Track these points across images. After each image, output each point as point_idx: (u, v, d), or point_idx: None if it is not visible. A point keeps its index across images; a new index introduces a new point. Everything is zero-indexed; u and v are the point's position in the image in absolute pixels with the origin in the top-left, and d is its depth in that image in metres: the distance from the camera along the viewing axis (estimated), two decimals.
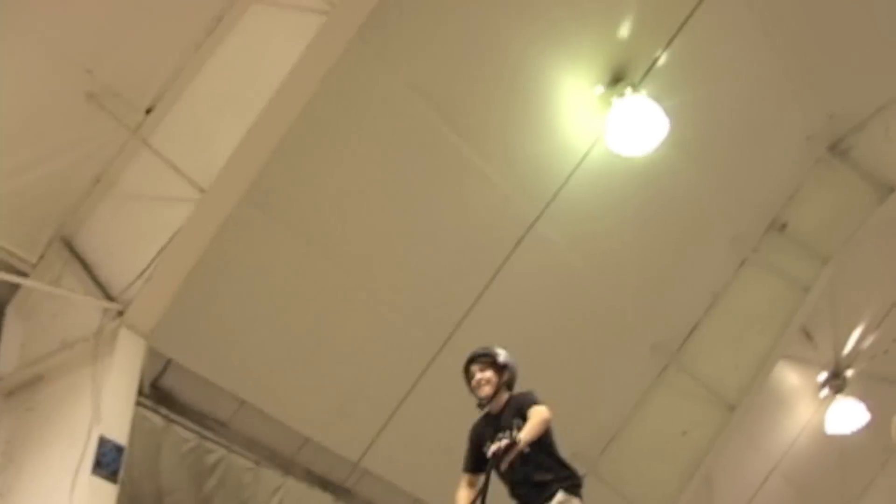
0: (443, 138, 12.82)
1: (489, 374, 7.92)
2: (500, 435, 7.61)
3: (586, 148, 13.81)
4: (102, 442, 9.83)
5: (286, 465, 13.32)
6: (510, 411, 7.81)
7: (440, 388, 13.38)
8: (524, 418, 7.59)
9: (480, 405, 8.00)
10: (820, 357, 18.73)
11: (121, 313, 10.30)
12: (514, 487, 7.76)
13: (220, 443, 12.64)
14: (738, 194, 15.64)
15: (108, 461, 9.84)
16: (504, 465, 7.44)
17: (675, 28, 13.15)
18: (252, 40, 10.39)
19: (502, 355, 8.03)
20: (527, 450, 7.38)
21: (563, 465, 7.80)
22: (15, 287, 11.08)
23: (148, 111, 10.72)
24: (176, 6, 10.45)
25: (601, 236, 14.46)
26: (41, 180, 10.67)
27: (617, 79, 13.45)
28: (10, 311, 11.17)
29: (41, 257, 11.06)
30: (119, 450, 9.99)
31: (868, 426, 18.69)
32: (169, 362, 12.12)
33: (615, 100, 13.44)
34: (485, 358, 8.00)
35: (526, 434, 7.39)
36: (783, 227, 16.52)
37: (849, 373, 18.91)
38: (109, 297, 10.44)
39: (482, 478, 7.76)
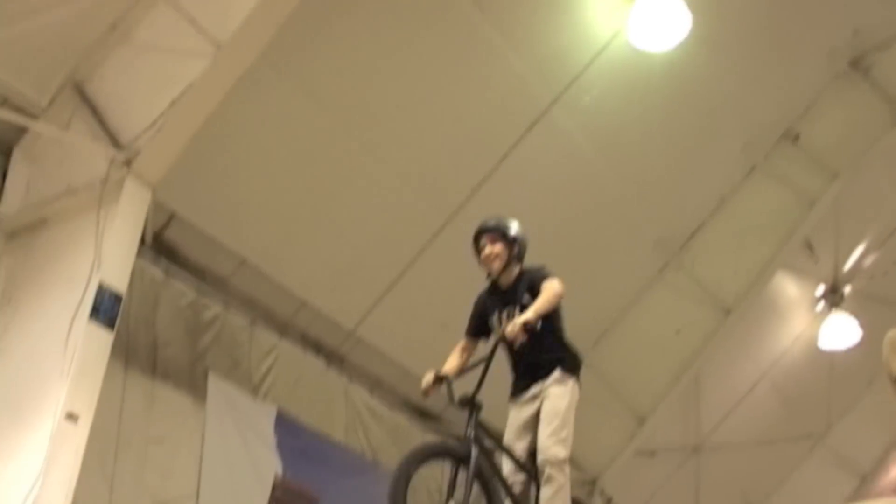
0: (464, 12, 12.66)
1: (499, 248, 7.81)
2: (509, 309, 7.66)
3: (607, 38, 13.70)
4: (101, 289, 9.87)
5: (282, 327, 13.39)
6: (521, 285, 7.76)
7: (441, 264, 13.46)
8: (534, 293, 7.57)
9: (490, 277, 7.96)
10: (819, 271, 18.74)
11: (128, 162, 10.28)
12: (517, 362, 7.83)
13: (218, 299, 12.70)
14: (754, 100, 15.49)
15: (105, 308, 9.89)
16: (517, 342, 7.46)
17: None
18: None
19: (513, 228, 7.91)
20: (538, 326, 7.34)
21: (565, 346, 7.86)
22: (23, 129, 11.02)
23: None
24: None
25: (614, 128, 14.36)
26: (56, 22, 10.53)
27: None
28: (17, 153, 11.13)
29: (51, 101, 10.96)
30: (117, 298, 10.05)
31: (860, 344, 18.79)
32: (173, 216, 12.09)
33: None
34: (495, 231, 7.88)
35: (538, 307, 7.37)
36: (796, 137, 16.42)
37: (846, 289, 18.95)
38: (118, 146, 10.40)
39: (476, 343, 7.89)
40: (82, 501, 9.66)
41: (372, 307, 13.76)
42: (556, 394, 7.59)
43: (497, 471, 7.47)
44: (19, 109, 10.79)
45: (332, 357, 13.95)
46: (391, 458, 13.45)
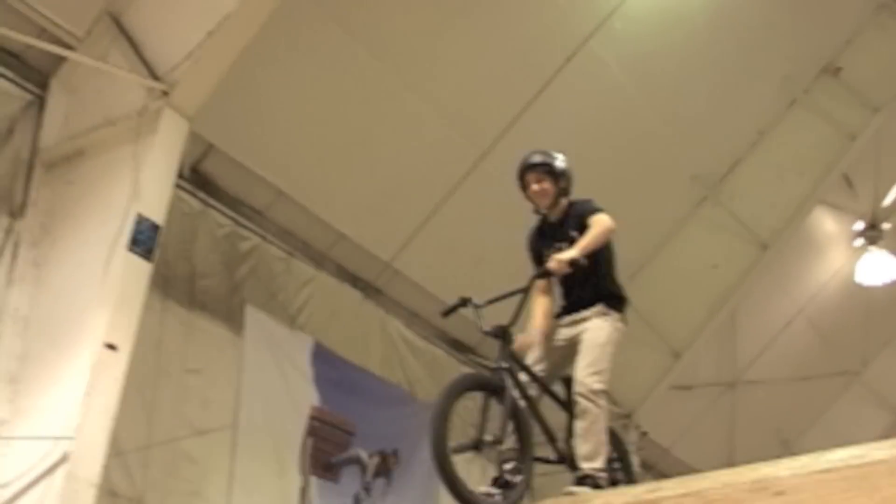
0: None
1: (547, 184, 7.73)
2: (558, 245, 7.57)
3: None
4: (139, 220, 9.84)
5: (318, 259, 13.41)
6: (569, 220, 7.72)
7: (477, 198, 13.44)
8: (583, 227, 7.52)
9: (537, 213, 7.91)
10: (858, 206, 18.62)
11: (165, 93, 10.21)
12: (565, 292, 7.83)
13: (255, 231, 12.72)
14: (795, 32, 15.33)
15: (143, 239, 9.88)
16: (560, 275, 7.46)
17: None
18: None
19: (559, 161, 7.81)
20: (584, 261, 7.27)
21: (613, 282, 7.83)
22: (60, 60, 10.94)
23: None
24: None
25: (654, 60, 14.23)
26: None
27: None
28: (55, 84, 11.07)
29: (88, 32, 10.89)
30: (155, 228, 10.03)
31: None
32: (210, 147, 12.08)
33: None
34: (541, 167, 7.76)
35: (586, 243, 7.33)
36: (837, 71, 16.25)
37: (885, 226, 18.81)
38: (155, 77, 10.36)
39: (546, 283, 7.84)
40: (122, 431, 9.75)
41: (408, 240, 13.77)
42: (597, 325, 7.58)
43: (533, 403, 7.42)
44: (56, 40, 10.74)
45: (369, 289, 13.97)
46: (427, 391, 13.56)
